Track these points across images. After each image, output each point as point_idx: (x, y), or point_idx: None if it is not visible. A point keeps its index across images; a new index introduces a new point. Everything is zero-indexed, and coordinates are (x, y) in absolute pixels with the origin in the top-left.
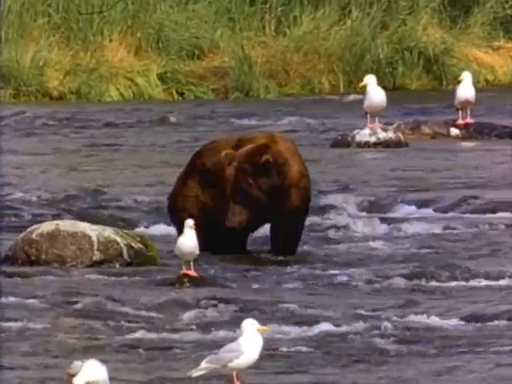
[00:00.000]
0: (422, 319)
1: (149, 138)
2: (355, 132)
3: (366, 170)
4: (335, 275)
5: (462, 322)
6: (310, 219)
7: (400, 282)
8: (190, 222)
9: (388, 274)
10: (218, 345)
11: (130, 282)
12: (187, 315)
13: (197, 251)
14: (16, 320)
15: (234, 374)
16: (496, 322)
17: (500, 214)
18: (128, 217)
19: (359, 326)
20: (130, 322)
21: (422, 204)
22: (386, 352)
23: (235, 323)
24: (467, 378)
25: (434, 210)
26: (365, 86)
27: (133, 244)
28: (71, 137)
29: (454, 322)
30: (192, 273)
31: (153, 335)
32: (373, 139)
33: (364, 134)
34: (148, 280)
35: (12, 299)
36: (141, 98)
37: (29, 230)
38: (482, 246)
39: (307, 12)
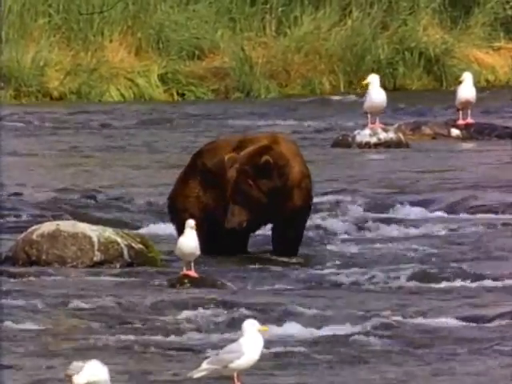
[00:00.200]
0: (423, 319)
1: (149, 139)
2: (356, 132)
3: (367, 171)
4: (336, 275)
5: (462, 323)
6: (311, 219)
7: (400, 282)
8: (191, 223)
9: (388, 275)
10: (219, 346)
11: (131, 282)
12: (188, 316)
13: (198, 252)
14: (16, 320)
15: (235, 375)
16: (496, 323)
17: (501, 215)
18: (128, 217)
19: (360, 326)
20: (130, 322)
21: (422, 204)
22: (386, 352)
23: (236, 324)
24: (467, 378)
25: (435, 211)
26: (367, 84)
27: (133, 244)
28: (71, 137)
29: (454, 322)
30: (192, 273)
31: (153, 336)
32: (373, 140)
33: (365, 135)
34: (148, 281)
35: (12, 299)
36: (141, 99)
37: (29, 230)
38: (482, 247)
39: (308, 12)
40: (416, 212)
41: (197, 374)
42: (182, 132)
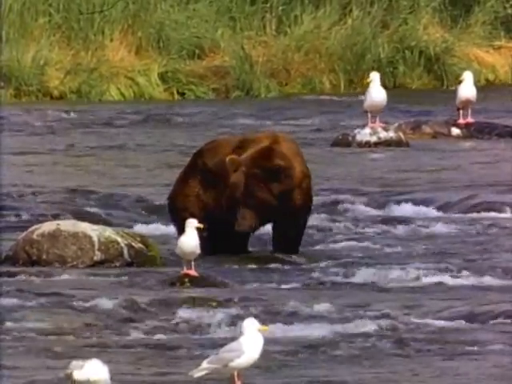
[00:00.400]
0: (423, 319)
1: (149, 138)
2: (356, 131)
3: (367, 170)
4: (336, 275)
5: (462, 322)
6: (312, 219)
7: (401, 281)
8: (192, 222)
9: (389, 274)
10: (219, 345)
11: (131, 281)
12: (188, 315)
13: (198, 251)
14: (16, 320)
15: (235, 374)
16: (496, 322)
17: (501, 214)
18: (128, 217)
19: (360, 325)
20: (130, 321)
21: (422, 203)
22: (386, 352)
23: (236, 323)
24: (467, 378)
25: (435, 210)
26: (369, 82)
27: (133, 244)
28: (72, 136)
29: (454, 321)
30: (193, 272)
31: (153, 335)
32: (374, 139)
33: (365, 134)
34: (149, 280)
35: (13, 299)
36: (141, 98)
37: (30, 229)
38: (483, 246)
39: (308, 11)
40: (416, 211)
41: (197, 373)
42: (182, 131)
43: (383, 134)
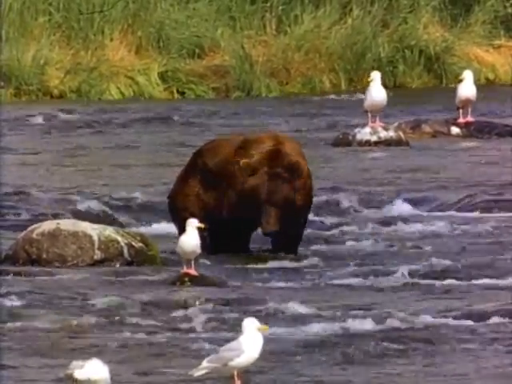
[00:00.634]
0: (422, 319)
1: (149, 137)
2: (356, 131)
3: (367, 169)
4: (336, 274)
5: (462, 321)
6: (311, 218)
7: (401, 281)
8: (193, 222)
9: (389, 274)
10: (219, 344)
11: (131, 281)
12: (188, 314)
13: (199, 250)
14: (16, 320)
15: (235, 373)
16: (496, 322)
17: (501, 213)
18: (128, 216)
19: (360, 325)
20: (130, 321)
21: (422, 203)
22: (386, 352)
23: (236, 322)
24: (467, 378)
25: (435, 209)
26: (370, 82)
27: (133, 243)
28: (72, 135)
29: (453, 321)
30: (193, 272)
31: (153, 334)
32: (374, 138)
33: (365, 133)
34: (149, 279)
35: (12, 299)
36: (141, 97)
37: (29, 229)
38: (482, 245)
39: (308, 11)
40: (416, 210)
41: (197, 373)
42: (181, 130)
43: (383, 134)
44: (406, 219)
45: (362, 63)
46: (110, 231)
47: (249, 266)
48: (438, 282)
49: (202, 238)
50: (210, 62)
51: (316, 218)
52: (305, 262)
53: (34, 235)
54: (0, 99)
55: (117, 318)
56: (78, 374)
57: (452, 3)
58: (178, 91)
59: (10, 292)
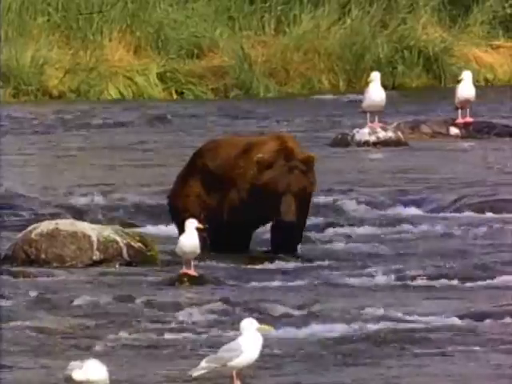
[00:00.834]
0: (422, 319)
1: (148, 138)
2: (355, 131)
3: (366, 170)
4: (335, 274)
5: (462, 322)
6: (310, 218)
7: (400, 280)
8: (192, 222)
9: (388, 274)
10: (218, 344)
11: (130, 281)
12: (187, 314)
13: (198, 250)
14: (15, 320)
15: (234, 374)
16: (495, 322)
17: (500, 213)
18: (128, 216)
19: (359, 325)
20: (129, 321)
21: (421, 203)
22: (386, 352)
23: (235, 322)
24: (467, 378)
25: (434, 210)
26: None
27: (132, 243)
28: (70, 136)
29: (453, 321)
30: (192, 272)
31: (152, 335)
32: (372, 138)
33: (364, 133)
34: (148, 279)
35: (12, 299)
36: (140, 97)
37: (28, 229)
38: (482, 246)
39: (307, 11)
40: (415, 211)
41: (196, 373)
42: (180, 131)
43: (382, 134)
44: (404, 219)
45: (361, 63)
46: (108, 231)
47: (249, 266)
48: (437, 282)
49: (202, 238)
50: (208, 62)
51: (315, 218)
52: (304, 262)
53: (33, 235)
54: None
55: (115, 318)
56: (77, 374)
57: (451, 4)
58: (176, 91)
59: (9, 292)
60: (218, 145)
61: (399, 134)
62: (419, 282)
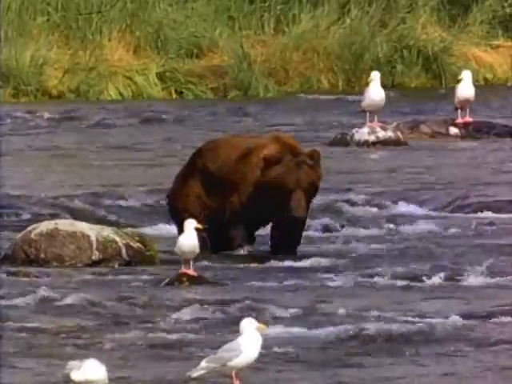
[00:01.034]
0: (422, 319)
1: (147, 137)
2: (354, 131)
3: (365, 169)
4: (335, 275)
5: (461, 322)
6: (310, 218)
7: (400, 280)
8: (191, 222)
9: (387, 274)
10: (218, 344)
11: (129, 281)
12: (186, 314)
13: (197, 250)
14: (15, 320)
15: (234, 374)
16: (495, 321)
17: (499, 213)
18: (127, 216)
19: (359, 325)
20: (128, 321)
21: (420, 203)
22: (386, 352)
23: (234, 322)
24: (467, 378)
25: (433, 209)
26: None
27: (132, 243)
28: (70, 136)
29: (452, 321)
30: (191, 272)
31: (152, 335)
32: (372, 138)
33: (363, 133)
34: (147, 279)
35: (11, 298)
36: (139, 97)
37: (28, 229)
38: (481, 246)
39: (306, 10)
40: (414, 210)
41: (195, 373)
42: (180, 130)
43: (381, 134)
44: (404, 219)
45: (360, 63)
46: (108, 231)
47: (248, 266)
48: (437, 282)
49: (201, 238)
50: (208, 61)
51: (314, 219)
52: (304, 262)
53: (33, 235)
54: None
55: (114, 318)
56: (76, 374)
57: (450, 3)
58: (176, 91)
59: (8, 292)
60: (217, 145)
61: (399, 133)
62: (419, 282)
